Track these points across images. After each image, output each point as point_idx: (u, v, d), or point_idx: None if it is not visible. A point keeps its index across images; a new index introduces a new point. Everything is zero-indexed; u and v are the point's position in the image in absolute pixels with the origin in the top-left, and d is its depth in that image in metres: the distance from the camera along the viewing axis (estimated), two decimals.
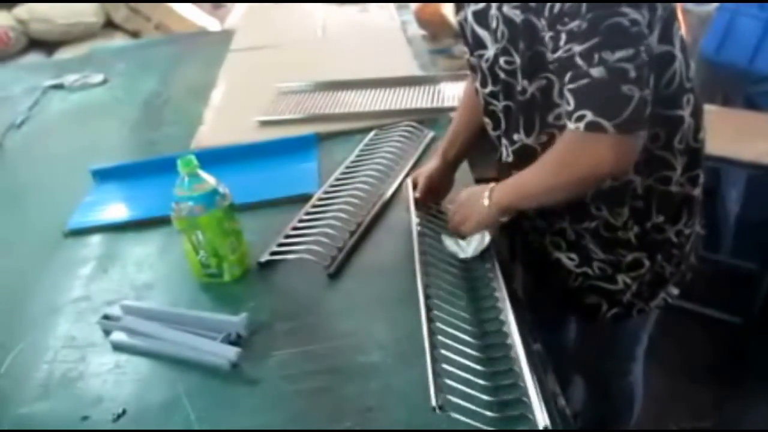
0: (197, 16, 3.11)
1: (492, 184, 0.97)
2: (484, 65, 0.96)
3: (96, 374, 0.92)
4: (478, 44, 0.96)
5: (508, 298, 0.91)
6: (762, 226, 2.01)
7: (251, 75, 1.97)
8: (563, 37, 0.79)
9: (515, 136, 0.97)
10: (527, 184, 0.93)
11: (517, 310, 0.90)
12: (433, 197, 1.17)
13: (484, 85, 0.99)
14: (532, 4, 0.83)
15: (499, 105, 0.98)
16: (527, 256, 1.17)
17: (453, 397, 0.74)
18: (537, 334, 0.91)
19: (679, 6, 0.89)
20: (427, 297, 0.90)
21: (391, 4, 2.45)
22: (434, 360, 0.79)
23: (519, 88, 0.91)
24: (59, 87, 2.10)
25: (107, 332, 0.98)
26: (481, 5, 0.92)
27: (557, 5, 0.78)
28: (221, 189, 1.02)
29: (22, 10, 2.90)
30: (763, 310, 1.95)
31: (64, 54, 2.90)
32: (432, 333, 0.83)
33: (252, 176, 1.35)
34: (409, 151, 1.38)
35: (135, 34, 3.08)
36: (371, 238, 1.13)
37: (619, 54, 0.75)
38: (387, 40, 2.06)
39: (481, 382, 0.78)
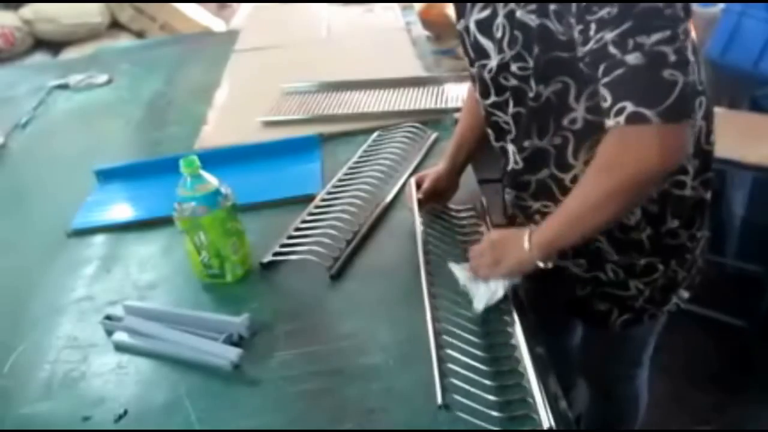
0: (202, 16, 3.11)
1: (531, 226, 0.89)
2: (487, 75, 0.93)
3: (98, 374, 0.92)
4: (480, 54, 0.92)
5: (512, 300, 0.91)
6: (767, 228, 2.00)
7: (255, 75, 1.97)
8: (593, 27, 0.73)
9: (526, 143, 0.93)
10: (569, 208, 0.84)
11: (520, 311, 0.89)
12: (436, 200, 1.16)
13: (485, 96, 0.96)
14: (551, 7, 0.79)
15: (507, 113, 0.94)
16: None
17: (458, 396, 0.75)
18: (541, 336, 0.91)
19: None
20: (432, 296, 0.90)
21: (396, 5, 2.45)
22: (440, 360, 0.79)
23: (532, 93, 0.87)
24: (64, 87, 2.10)
25: (109, 332, 0.98)
26: (486, 13, 0.89)
27: None
28: (224, 189, 1.02)
29: (27, 11, 2.91)
30: None
31: (69, 54, 2.91)
32: (438, 333, 0.83)
33: (255, 177, 1.35)
34: (413, 152, 1.37)
35: (140, 35, 3.08)
36: (374, 239, 1.12)
37: (656, 37, 0.70)
38: (391, 41, 2.06)
39: (485, 381, 0.78)
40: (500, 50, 0.88)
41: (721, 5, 2.28)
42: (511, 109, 0.93)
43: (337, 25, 2.33)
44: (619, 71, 0.72)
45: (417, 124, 1.45)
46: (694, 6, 0.85)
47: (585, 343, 1.29)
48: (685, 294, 1.06)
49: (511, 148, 0.98)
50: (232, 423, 0.81)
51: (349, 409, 0.80)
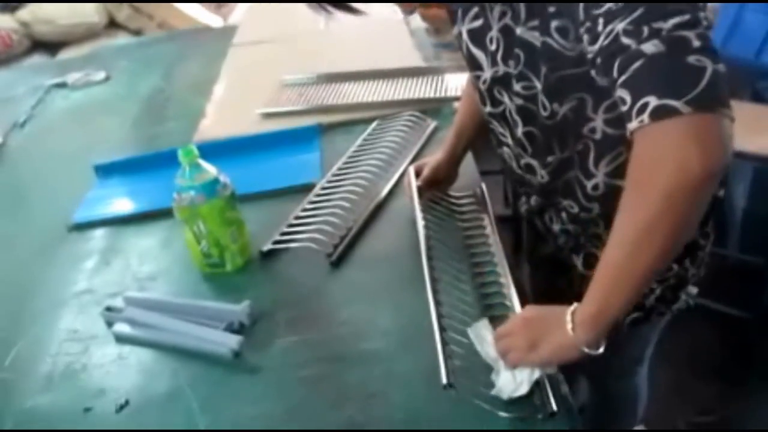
0: (200, 14, 3.11)
1: (573, 305, 0.74)
2: (482, 87, 0.89)
3: (99, 366, 0.91)
4: (473, 64, 0.89)
5: (513, 285, 0.90)
6: None
7: (254, 68, 1.96)
8: (600, 21, 0.63)
9: (549, 158, 0.87)
10: (608, 259, 0.69)
11: (520, 295, 0.89)
12: (436, 188, 1.15)
13: (482, 104, 0.94)
14: (553, 24, 0.72)
15: (517, 133, 0.89)
16: (537, 258, 1.13)
17: (462, 379, 0.75)
18: None
19: None
20: (433, 280, 0.90)
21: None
22: (444, 342, 0.79)
23: (546, 112, 0.82)
24: (62, 86, 2.10)
25: (110, 324, 0.98)
26: (477, 23, 0.84)
27: None
28: (222, 178, 1.01)
29: (24, 13, 2.92)
30: None
31: (67, 54, 2.92)
32: (440, 316, 0.84)
33: (255, 167, 1.34)
34: (412, 140, 1.37)
35: (138, 33, 3.09)
36: (373, 226, 1.12)
37: (674, 21, 0.60)
38: (390, 32, 2.05)
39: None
40: (493, 63, 0.84)
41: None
42: (521, 129, 0.88)
43: (335, 18, 2.31)
44: (636, 64, 0.61)
45: (416, 113, 1.44)
46: None
47: None
48: (694, 290, 1.02)
49: (534, 162, 0.92)
50: (233, 410, 0.80)
51: (350, 394, 0.79)
